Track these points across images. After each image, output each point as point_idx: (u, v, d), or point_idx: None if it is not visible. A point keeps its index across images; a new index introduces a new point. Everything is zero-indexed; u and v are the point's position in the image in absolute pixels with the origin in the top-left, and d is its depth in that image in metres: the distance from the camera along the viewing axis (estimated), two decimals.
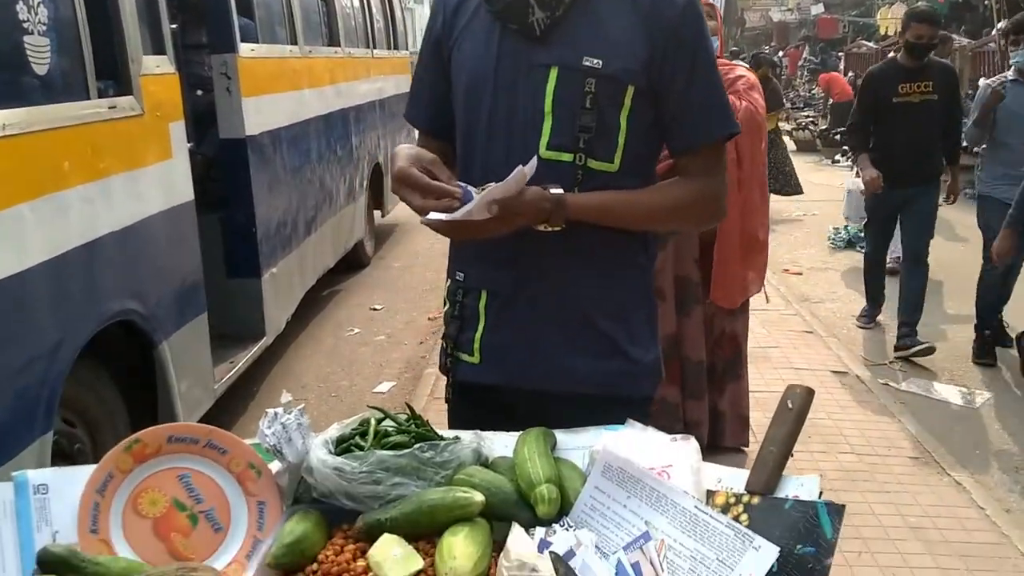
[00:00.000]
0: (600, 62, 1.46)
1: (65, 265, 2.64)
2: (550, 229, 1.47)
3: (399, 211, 8.44)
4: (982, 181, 5.06)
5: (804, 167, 12.87)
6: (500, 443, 1.38)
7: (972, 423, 4.32)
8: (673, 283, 3.44)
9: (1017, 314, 5.19)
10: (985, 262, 4.91)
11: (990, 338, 5.00)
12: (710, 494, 1.22)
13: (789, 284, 6.85)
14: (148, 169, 3.23)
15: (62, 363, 2.62)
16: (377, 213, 7.96)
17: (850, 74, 17.14)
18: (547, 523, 1.20)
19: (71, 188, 2.70)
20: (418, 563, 1.14)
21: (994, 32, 12.79)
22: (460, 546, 1.13)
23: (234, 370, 4.03)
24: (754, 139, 3.38)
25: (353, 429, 1.35)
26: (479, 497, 1.20)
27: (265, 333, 4.50)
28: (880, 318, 5.74)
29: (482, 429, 1.39)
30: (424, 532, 1.20)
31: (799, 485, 1.21)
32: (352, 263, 7.12)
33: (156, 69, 3.31)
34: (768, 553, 1.09)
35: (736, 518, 1.16)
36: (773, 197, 6.20)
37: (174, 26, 3.89)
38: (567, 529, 1.19)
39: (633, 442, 1.31)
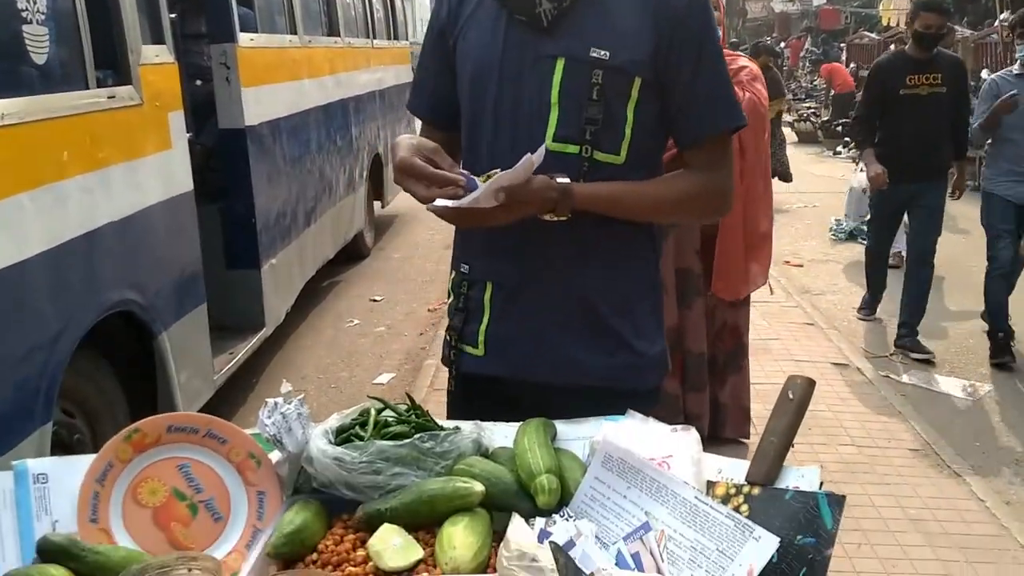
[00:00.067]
0: (607, 53, 1.44)
1: (64, 255, 2.64)
2: (556, 219, 1.45)
3: (399, 202, 8.43)
4: (986, 178, 4.98)
5: (805, 158, 12.89)
6: (500, 433, 1.38)
7: (972, 415, 4.33)
8: (675, 275, 3.44)
9: (1017, 314, 5.16)
10: (989, 262, 4.85)
11: (1003, 340, 4.88)
12: (710, 485, 1.22)
13: (790, 276, 6.84)
14: (147, 159, 3.22)
15: (61, 353, 2.62)
16: (377, 204, 7.94)
17: (852, 65, 17.12)
18: (547, 513, 1.20)
19: (70, 178, 2.69)
20: (418, 553, 1.15)
21: (996, 23, 12.74)
22: (460, 536, 1.13)
23: (234, 361, 4.03)
24: (757, 129, 3.37)
25: (353, 419, 1.35)
26: (479, 487, 1.20)
27: (265, 324, 4.50)
28: (881, 311, 5.73)
29: (484, 421, 1.39)
30: (424, 522, 1.20)
31: (800, 476, 1.21)
32: (352, 254, 7.11)
33: (155, 59, 3.29)
34: (768, 543, 1.09)
35: (736, 508, 1.16)
36: (775, 188, 6.16)
37: (173, 15, 3.88)
38: (567, 519, 1.19)
39: (633, 433, 1.31)
